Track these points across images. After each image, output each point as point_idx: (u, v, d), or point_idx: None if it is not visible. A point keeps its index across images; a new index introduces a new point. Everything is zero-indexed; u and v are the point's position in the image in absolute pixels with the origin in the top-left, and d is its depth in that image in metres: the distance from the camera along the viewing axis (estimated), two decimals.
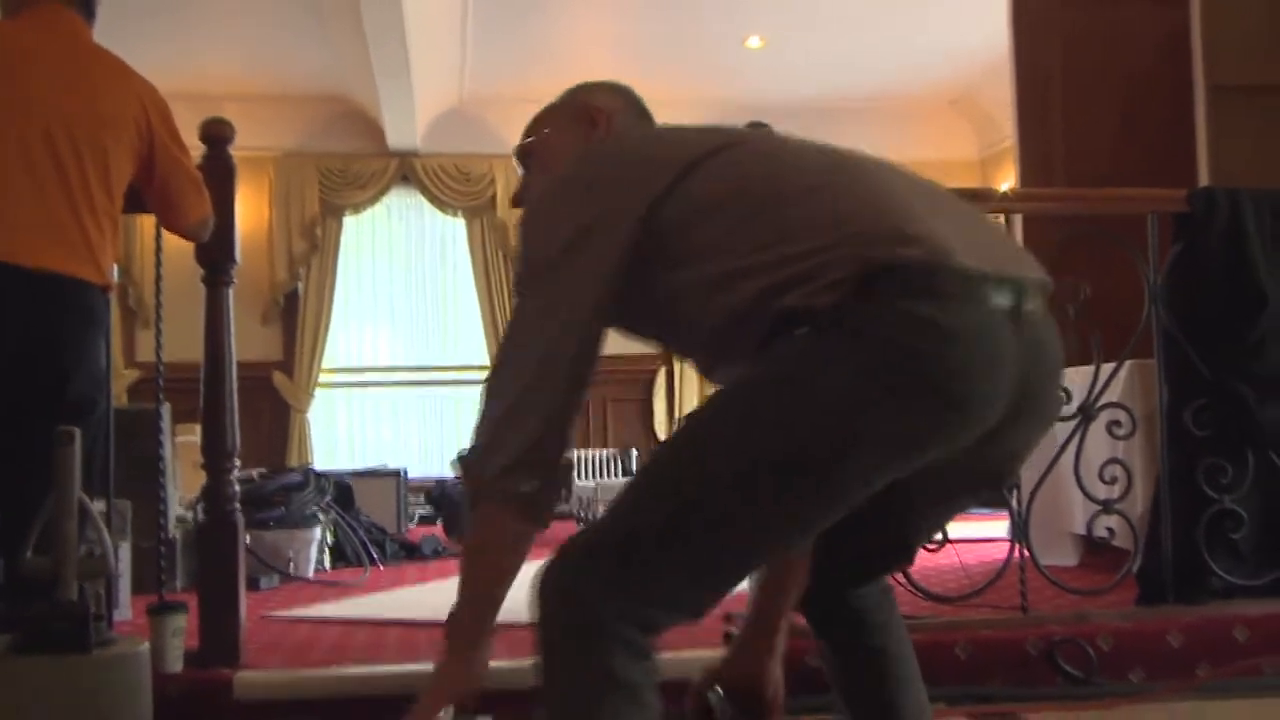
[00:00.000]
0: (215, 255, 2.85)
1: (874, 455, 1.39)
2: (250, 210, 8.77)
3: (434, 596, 4.37)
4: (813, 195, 1.50)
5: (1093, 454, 3.32)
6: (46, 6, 2.60)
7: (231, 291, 2.88)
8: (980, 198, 3.24)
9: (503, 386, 1.54)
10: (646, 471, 1.50)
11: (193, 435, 4.11)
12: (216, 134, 2.87)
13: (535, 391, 1.51)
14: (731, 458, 1.39)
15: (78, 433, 2.02)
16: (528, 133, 1.88)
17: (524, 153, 1.86)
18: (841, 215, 1.46)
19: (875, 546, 1.72)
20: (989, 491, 1.73)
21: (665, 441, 1.54)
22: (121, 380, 8.49)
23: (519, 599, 1.48)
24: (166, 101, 2.68)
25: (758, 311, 1.45)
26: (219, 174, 2.85)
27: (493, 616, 1.59)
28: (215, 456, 2.83)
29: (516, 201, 1.86)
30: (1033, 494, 3.20)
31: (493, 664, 1.62)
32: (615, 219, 1.54)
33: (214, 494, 2.82)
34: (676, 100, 8.45)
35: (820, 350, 1.39)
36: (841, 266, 1.39)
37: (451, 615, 1.60)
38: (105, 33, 2.72)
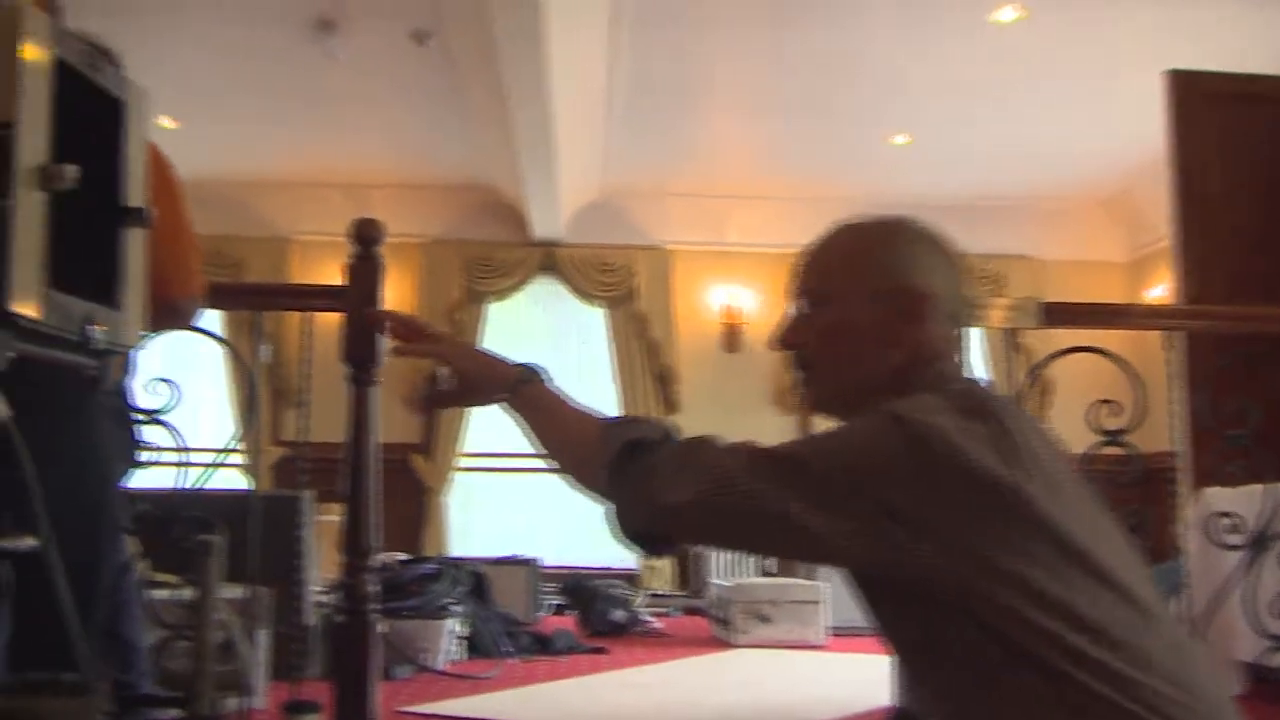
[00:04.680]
0: (361, 355, 2.86)
1: None
2: (396, 295, 8.98)
3: (564, 696, 4.31)
4: (1175, 646, 1.32)
5: (1267, 579, 3.12)
6: None
7: (378, 391, 2.89)
8: (1153, 314, 3.10)
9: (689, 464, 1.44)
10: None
11: (334, 514, 4.15)
12: (367, 234, 2.90)
13: (698, 498, 1.39)
14: None
15: (218, 541, 2.02)
16: (814, 264, 1.54)
17: (806, 290, 1.53)
18: (1193, 684, 1.27)
19: None
20: None
21: None
22: (266, 457, 8.71)
23: None
24: None
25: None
26: (368, 272, 2.88)
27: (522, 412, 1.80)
28: (354, 555, 2.82)
29: (787, 343, 1.53)
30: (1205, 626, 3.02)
31: None
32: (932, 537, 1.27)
33: (351, 593, 2.81)
34: (818, 197, 8.39)
35: None
36: None
37: (526, 378, 1.83)
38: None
